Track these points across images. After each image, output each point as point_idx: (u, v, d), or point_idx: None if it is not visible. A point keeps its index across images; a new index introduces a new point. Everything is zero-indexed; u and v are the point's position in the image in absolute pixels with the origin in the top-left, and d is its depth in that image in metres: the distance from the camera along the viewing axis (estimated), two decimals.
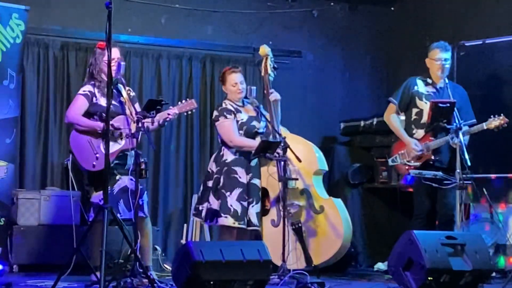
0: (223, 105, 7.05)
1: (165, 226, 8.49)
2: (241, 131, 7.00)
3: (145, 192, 6.74)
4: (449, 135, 6.75)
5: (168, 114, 6.59)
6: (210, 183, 7.00)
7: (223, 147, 7.02)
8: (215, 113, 7.08)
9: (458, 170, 6.56)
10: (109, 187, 6.18)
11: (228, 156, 6.98)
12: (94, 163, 6.48)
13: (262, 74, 7.26)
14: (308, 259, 7.06)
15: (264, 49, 7.24)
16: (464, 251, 5.88)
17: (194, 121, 8.65)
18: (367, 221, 8.87)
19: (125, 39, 8.31)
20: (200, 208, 7.03)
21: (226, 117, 6.99)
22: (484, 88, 7.96)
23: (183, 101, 6.81)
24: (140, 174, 6.31)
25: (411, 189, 7.43)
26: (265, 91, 7.24)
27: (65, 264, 5.67)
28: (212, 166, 7.06)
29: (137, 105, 6.71)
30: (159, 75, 8.60)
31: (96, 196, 6.54)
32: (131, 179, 6.49)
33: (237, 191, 6.89)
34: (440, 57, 7.08)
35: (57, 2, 8.20)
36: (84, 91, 6.62)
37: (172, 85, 8.64)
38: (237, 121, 7.01)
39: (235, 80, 7.05)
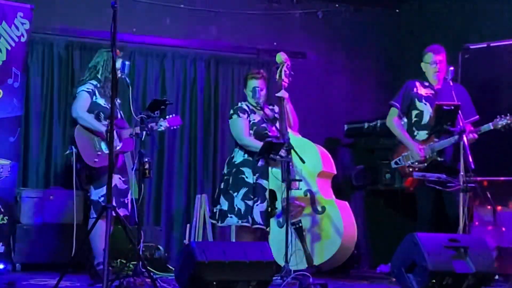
0: (239, 104, 7.25)
1: (168, 226, 8.49)
2: (251, 131, 7.14)
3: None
4: (454, 136, 6.74)
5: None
6: (222, 185, 7.16)
7: (235, 149, 7.19)
8: (231, 111, 7.27)
9: (461, 173, 6.56)
10: (104, 187, 6.28)
11: (238, 158, 7.15)
12: (96, 159, 6.56)
13: (277, 79, 7.31)
14: (308, 258, 7.05)
15: (281, 57, 7.35)
16: (467, 254, 5.87)
17: (198, 122, 8.65)
18: (370, 223, 8.86)
19: (130, 39, 8.31)
20: (214, 210, 7.20)
21: (239, 115, 7.16)
22: (488, 90, 7.96)
23: (170, 116, 6.82)
24: (144, 173, 6.33)
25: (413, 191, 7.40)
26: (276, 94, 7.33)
27: (68, 263, 5.66)
28: (225, 168, 7.25)
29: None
30: (163, 75, 8.60)
31: (95, 193, 6.61)
32: (119, 178, 6.62)
33: (242, 191, 7.03)
34: (434, 60, 7.12)
35: (62, 0, 8.19)
36: (88, 88, 6.70)
37: (176, 85, 8.64)
38: (249, 121, 7.16)
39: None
